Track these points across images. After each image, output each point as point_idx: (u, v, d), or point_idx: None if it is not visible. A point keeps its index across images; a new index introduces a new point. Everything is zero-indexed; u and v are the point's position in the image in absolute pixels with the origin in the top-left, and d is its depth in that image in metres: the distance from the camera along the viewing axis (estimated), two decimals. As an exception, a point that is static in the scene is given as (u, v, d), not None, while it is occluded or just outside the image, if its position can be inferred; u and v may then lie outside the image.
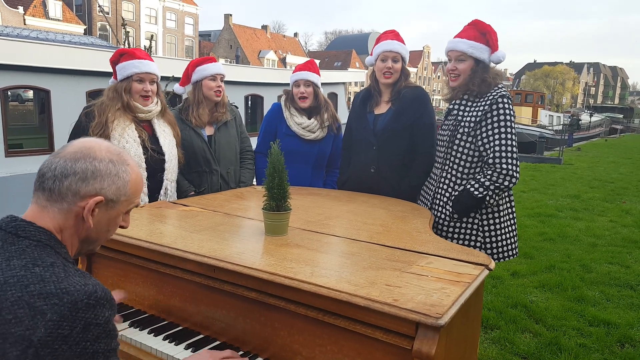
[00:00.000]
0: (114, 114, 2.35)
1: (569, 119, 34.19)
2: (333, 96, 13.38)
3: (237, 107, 3.12)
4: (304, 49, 69.16)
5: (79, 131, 2.36)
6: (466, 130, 2.24)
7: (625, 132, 40.06)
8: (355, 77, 15.91)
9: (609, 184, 10.33)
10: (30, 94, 8.39)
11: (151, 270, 1.61)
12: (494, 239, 2.30)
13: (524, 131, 21.39)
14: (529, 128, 23.81)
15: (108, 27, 37.19)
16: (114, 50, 4.43)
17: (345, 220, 2.02)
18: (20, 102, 9.07)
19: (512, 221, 2.37)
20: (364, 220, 2.03)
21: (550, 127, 28.64)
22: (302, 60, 59.86)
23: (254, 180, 3.15)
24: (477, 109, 2.24)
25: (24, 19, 32.37)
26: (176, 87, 3.04)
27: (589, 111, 44.88)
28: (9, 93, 6.88)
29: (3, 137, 6.44)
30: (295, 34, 66.54)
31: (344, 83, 14.43)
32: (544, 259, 4.87)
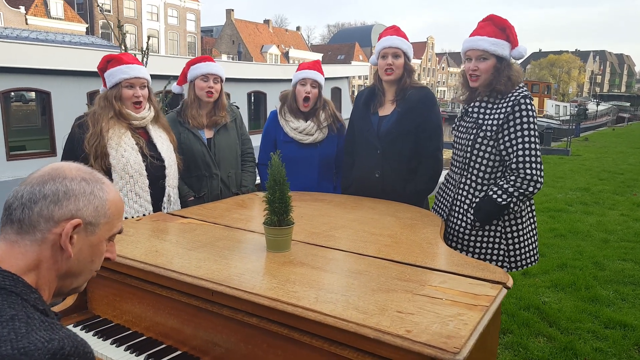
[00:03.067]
0: (107, 123, 2.25)
1: (576, 109, 33.81)
2: (337, 91, 13.24)
3: (238, 108, 3.02)
4: (307, 42, 68.81)
5: (73, 143, 2.27)
6: (488, 134, 2.13)
7: (633, 121, 39.57)
8: (358, 71, 15.74)
9: (618, 175, 10.16)
10: (33, 93, 8.33)
11: (147, 291, 1.53)
12: (517, 245, 2.20)
13: None
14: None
15: (110, 25, 37.15)
16: (115, 50, 4.35)
17: (352, 231, 1.92)
18: (24, 102, 9.00)
19: (533, 225, 2.28)
20: (371, 230, 1.94)
21: (557, 117, 28.32)
22: (305, 54, 59.55)
23: (257, 181, 3.06)
24: (498, 111, 2.12)
25: (26, 19, 32.37)
26: (174, 87, 2.96)
27: (595, 100, 44.43)
28: (12, 94, 6.82)
29: (4, 141, 6.39)
30: (298, 28, 66.13)
31: (347, 77, 14.28)
32: (555, 256, 4.75)
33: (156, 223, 1.95)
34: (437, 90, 78.17)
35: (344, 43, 67.62)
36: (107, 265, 1.59)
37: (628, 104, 49.17)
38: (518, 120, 2.05)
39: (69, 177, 0.91)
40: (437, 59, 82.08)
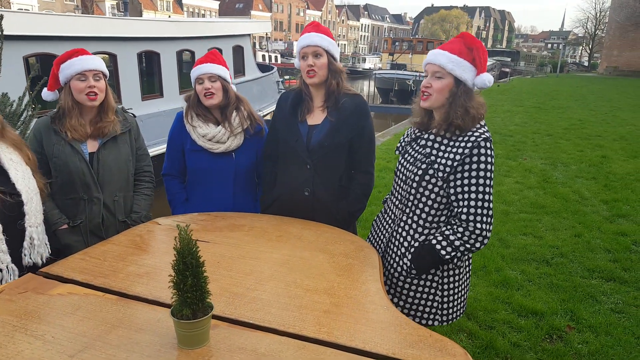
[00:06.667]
0: None
1: (467, 67, 35.81)
2: (239, 49, 12.38)
3: (134, 116, 2.45)
4: (202, -12, 63.87)
5: None
6: (439, 173, 1.86)
7: (514, 75, 43.17)
8: (261, 27, 14.84)
9: (508, 137, 10.91)
10: None
11: None
12: (451, 298, 2.02)
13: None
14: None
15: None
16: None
17: (282, 286, 1.61)
18: None
19: (468, 275, 2.11)
20: (304, 282, 1.64)
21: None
22: (200, 0, 55.32)
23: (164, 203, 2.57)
24: (454, 150, 1.85)
25: None
26: (44, 93, 2.29)
27: (482, 56, 47.52)
28: None
29: None
30: (192, -29, 60.87)
31: (249, 35, 13.40)
32: (464, 234, 4.90)
33: (23, 298, 1.44)
34: (338, 44, 78.22)
35: (243, -9, 64.03)
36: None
37: (509, 59, 53.43)
38: (475, 166, 1.82)
39: None
40: (337, 11, 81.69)
